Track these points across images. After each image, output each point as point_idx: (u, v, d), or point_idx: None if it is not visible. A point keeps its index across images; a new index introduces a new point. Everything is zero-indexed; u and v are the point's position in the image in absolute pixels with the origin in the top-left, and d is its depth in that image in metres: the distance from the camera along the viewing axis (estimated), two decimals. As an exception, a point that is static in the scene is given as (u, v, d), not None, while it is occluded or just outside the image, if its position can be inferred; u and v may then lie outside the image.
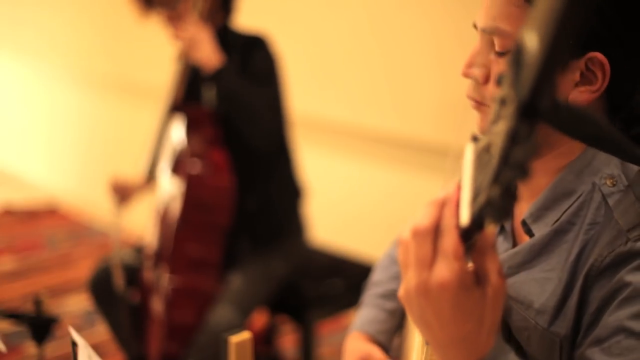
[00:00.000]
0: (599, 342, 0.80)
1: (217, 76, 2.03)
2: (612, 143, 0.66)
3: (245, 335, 1.02)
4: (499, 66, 0.89)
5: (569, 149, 0.91)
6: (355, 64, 2.99)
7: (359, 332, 1.22)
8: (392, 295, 1.24)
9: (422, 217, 0.68)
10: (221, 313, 2.06)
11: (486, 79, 0.92)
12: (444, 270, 0.65)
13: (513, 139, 0.56)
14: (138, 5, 2.14)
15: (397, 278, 1.26)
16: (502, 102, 0.59)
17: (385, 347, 1.19)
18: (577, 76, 0.86)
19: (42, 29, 4.91)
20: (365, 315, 1.24)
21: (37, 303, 1.33)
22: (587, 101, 0.86)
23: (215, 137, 2.15)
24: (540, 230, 0.91)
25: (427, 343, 0.83)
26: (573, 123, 0.61)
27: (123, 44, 4.30)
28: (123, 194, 2.35)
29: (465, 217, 0.63)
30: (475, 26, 0.94)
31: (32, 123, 5.28)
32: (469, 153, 0.65)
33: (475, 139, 0.66)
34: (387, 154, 2.93)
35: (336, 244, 2.67)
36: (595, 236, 0.86)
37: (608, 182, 0.88)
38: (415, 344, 1.02)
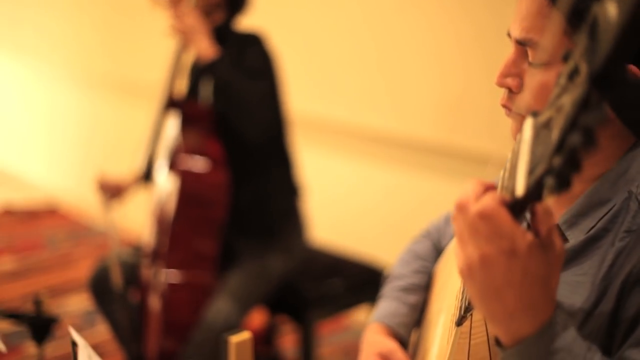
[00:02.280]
0: (639, 343, 0.81)
1: (212, 67, 2.06)
2: None
3: (245, 335, 1.02)
4: (532, 77, 0.91)
5: (606, 157, 0.91)
6: (354, 63, 2.99)
7: (380, 324, 1.22)
8: (413, 289, 1.24)
9: (465, 192, 0.71)
10: (218, 309, 2.06)
11: (519, 88, 0.93)
12: (506, 229, 0.68)
13: (584, 104, 0.57)
14: None
15: (419, 272, 1.26)
16: (570, 75, 0.59)
17: (404, 341, 1.19)
18: None
19: (42, 29, 4.91)
20: (386, 307, 1.24)
21: (37, 303, 1.33)
22: None
23: (210, 132, 2.16)
24: (575, 236, 0.91)
25: (458, 324, 0.84)
26: (637, 101, 0.61)
27: (123, 44, 4.30)
28: (112, 191, 2.35)
29: (520, 188, 0.64)
30: (509, 35, 0.95)
31: (32, 123, 5.28)
32: (528, 128, 0.66)
33: (535, 114, 0.67)
34: (386, 154, 2.93)
35: (336, 244, 2.68)
36: (631, 243, 0.86)
37: None
38: (437, 335, 1.02)
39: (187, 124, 2.17)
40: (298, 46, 3.04)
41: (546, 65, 0.88)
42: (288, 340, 2.80)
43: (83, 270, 3.34)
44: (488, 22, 2.43)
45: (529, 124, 0.66)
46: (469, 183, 0.72)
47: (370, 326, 1.23)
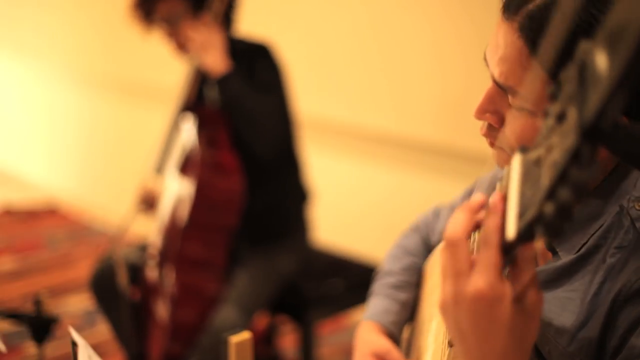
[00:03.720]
0: None
1: (222, 82, 2.03)
2: None
3: (245, 335, 1.02)
4: (515, 119, 0.87)
5: (598, 171, 0.89)
6: (356, 64, 2.99)
7: (373, 322, 1.21)
8: (404, 286, 1.24)
9: (454, 226, 0.68)
10: (225, 314, 2.06)
11: (500, 124, 0.90)
12: (480, 281, 0.65)
13: (574, 157, 0.54)
14: (139, 20, 2.15)
15: (409, 269, 1.26)
16: (559, 117, 0.57)
17: (395, 339, 1.19)
18: None
19: (42, 29, 4.90)
20: (377, 305, 1.24)
21: (37, 303, 1.33)
22: None
23: (227, 139, 2.13)
24: (566, 250, 0.90)
25: (450, 345, 0.83)
26: (630, 145, 0.59)
27: (123, 44, 4.30)
28: (152, 202, 2.35)
29: (511, 231, 0.63)
30: (485, 61, 0.91)
31: (32, 123, 5.28)
32: (517, 164, 0.64)
33: (523, 149, 0.65)
34: (387, 154, 2.93)
35: (336, 244, 2.67)
36: (622, 260, 0.85)
37: (637, 206, 0.87)
38: (429, 344, 1.02)
39: (203, 129, 2.15)
40: (299, 48, 3.04)
41: (529, 112, 0.85)
42: (288, 340, 2.80)
43: (83, 270, 3.34)
44: (489, 22, 2.43)
45: (517, 161, 0.64)
46: (458, 212, 0.69)
47: (363, 324, 1.22)
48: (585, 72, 0.54)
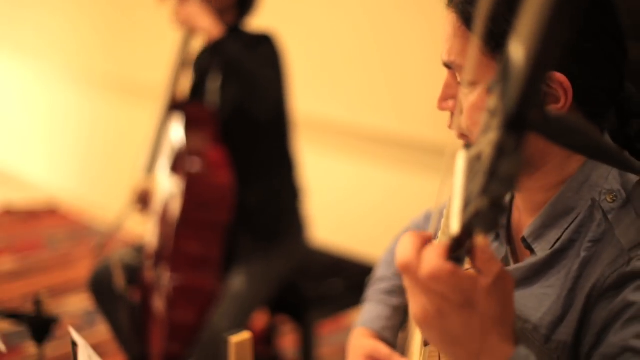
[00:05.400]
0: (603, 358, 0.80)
1: (219, 44, 2.05)
2: (603, 152, 0.66)
3: (245, 335, 1.02)
4: (465, 97, 0.90)
5: (562, 163, 0.91)
6: (355, 64, 2.99)
7: (364, 328, 1.22)
8: (396, 291, 1.24)
9: (403, 250, 0.67)
10: (223, 313, 2.06)
11: (460, 110, 0.92)
12: (430, 263, 0.64)
13: (500, 151, 0.56)
14: None
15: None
16: (492, 113, 0.59)
17: (391, 344, 1.19)
18: None
19: (42, 29, 4.90)
20: (370, 311, 1.24)
21: (37, 303, 1.33)
22: None
23: (214, 135, 2.15)
24: (542, 247, 0.91)
25: (425, 344, 0.83)
26: (565, 134, 0.61)
27: (123, 44, 4.30)
28: (147, 201, 2.35)
29: (455, 226, 0.63)
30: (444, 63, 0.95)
31: (32, 123, 5.28)
32: (461, 161, 0.65)
33: (467, 146, 0.66)
34: (386, 154, 2.93)
35: (336, 244, 2.67)
36: (596, 254, 0.86)
37: (608, 198, 0.88)
38: (415, 344, 1.02)
39: (190, 126, 2.17)
40: (298, 47, 3.04)
41: (472, 84, 0.88)
42: (288, 340, 2.80)
43: (83, 270, 3.34)
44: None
45: (461, 158, 0.65)
46: (404, 238, 0.68)
47: (355, 331, 1.23)
48: (507, 66, 0.56)
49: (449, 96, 0.95)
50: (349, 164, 3.10)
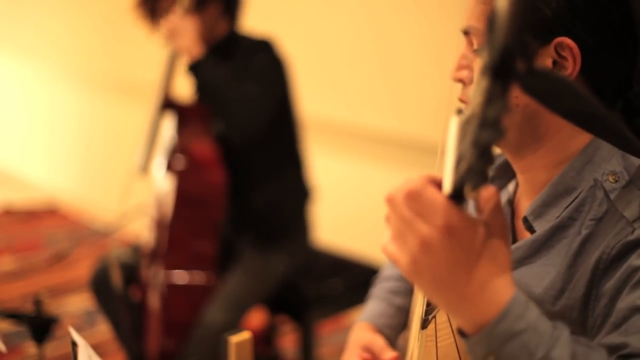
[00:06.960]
0: (615, 327, 0.80)
1: (194, 67, 2.04)
2: (596, 119, 0.66)
3: (245, 335, 1.02)
4: (478, 65, 0.91)
5: (566, 141, 0.91)
6: (355, 64, 2.99)
7: (366, 322, 1.22)
8: (401, 291, 1.25)
9: (391, 190, 0.69)
10: (217, 309, 2.07)
11: (472, 80, 0.93)
12: (439, 219, 0.65)
13: (487, 98, 0.57)
14: (145, 19, 2.17)
15: None
16: (483, 71, 0.60)
17: (390, 342, 1.19)
18: (549, 63, 0.88)
19: (42, 29, 4.90)
20: (373, 307, 1.25)
21: (37, 303, 1.33)
22: None
23: (206, 132, 2.15)
24: (542, 226, 0.91)
25: (422, 327, 0.83)
26: (552, 91, 0.62)
27: (123, 44, 4.30)
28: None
29: (447, 185, 0.64)
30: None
31: (32, 123, 5.28)
32: (453, 125, 0.66)
33: (459, 111, 0.66)
34: (387, 154, 2.93)
35: (336, 244, 2.67)
36: (598, 231, 0.86)
37: (610, 179, 0.88)
38: (412, 334, 1.02)
39: (182, 124, 2.18)
40: (299, 48, 3.04)
41: None
42: (288, 340, 2.80)
43: (83, 270, 3.34)
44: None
45: (454, 122, 0.66)
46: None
47: (356, 325, 1.24)
48: (492, 18, 0.58)
49: (463, 66, 0.95)
50: (349, 164, 3.10)
